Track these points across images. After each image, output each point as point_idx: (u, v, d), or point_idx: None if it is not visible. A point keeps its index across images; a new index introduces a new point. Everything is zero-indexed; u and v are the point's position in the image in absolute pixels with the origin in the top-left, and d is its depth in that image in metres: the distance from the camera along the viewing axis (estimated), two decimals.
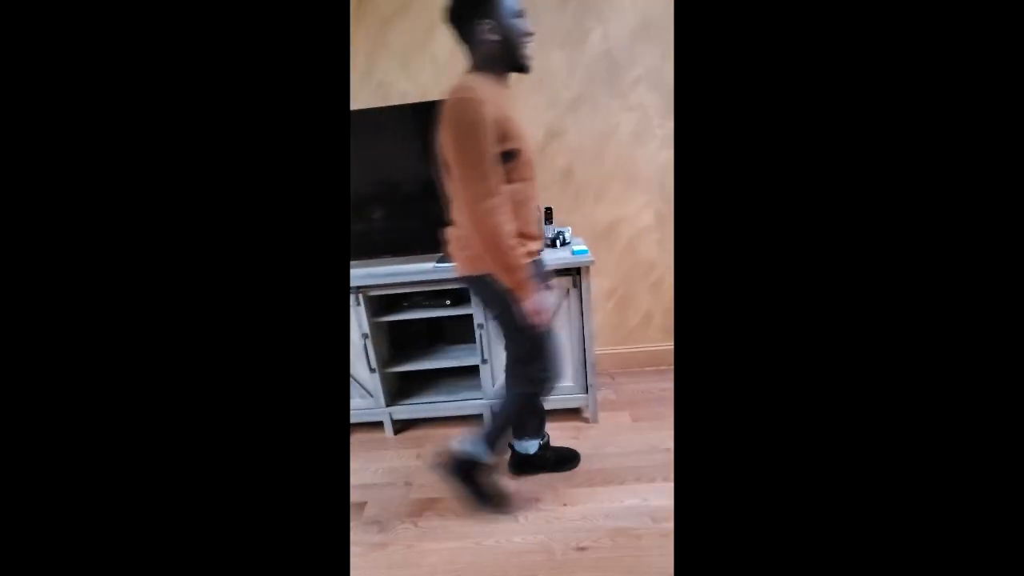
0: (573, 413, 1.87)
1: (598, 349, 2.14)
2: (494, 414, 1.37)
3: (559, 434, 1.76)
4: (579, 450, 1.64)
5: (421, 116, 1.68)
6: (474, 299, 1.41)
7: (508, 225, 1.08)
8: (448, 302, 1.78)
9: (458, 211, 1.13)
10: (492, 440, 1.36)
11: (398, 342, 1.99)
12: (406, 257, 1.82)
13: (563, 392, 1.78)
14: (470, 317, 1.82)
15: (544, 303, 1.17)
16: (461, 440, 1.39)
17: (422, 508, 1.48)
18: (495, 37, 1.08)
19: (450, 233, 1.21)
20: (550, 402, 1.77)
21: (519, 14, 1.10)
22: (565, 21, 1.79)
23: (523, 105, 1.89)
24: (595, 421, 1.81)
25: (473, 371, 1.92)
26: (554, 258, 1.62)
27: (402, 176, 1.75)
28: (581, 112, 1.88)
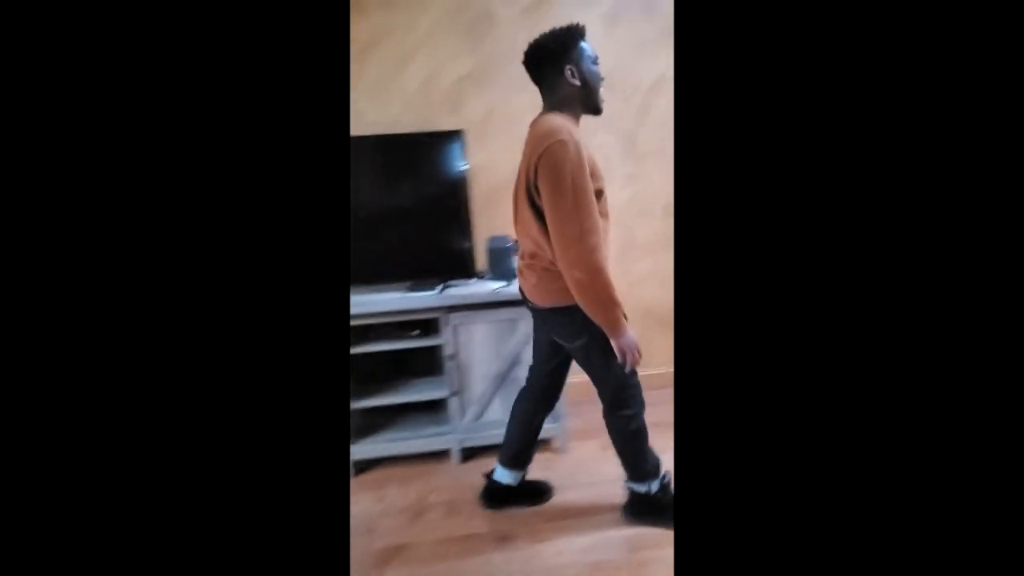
0: (542, 444, 1.85)
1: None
2: (623, 453, 1.38)
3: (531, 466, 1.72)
4: (552, 481, 1.62)
5: (388, 147, 1.68)
6: (549, 331, 1.32)
7: (607, 262, 1.11)
8: (417, 332, 1.73)
9: (560, 249, 1.10)
10: (641, 469, 1.37)
11: (359, 376, 1.90)
12: (370, 286, 1.77)
13: None
14: (438, 348, 1.78)
15: (634, 340, 1.18)
16: (631, 487, 1.42)
17: (387, 558, 1.38)
18: (576, 82, 1.16)
19: (528, 267, 1.24)
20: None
21: (596, 61, 1.19)
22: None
23: (493, 145, 1.95)
24: (565, 451, 1.80)
25: (439, 405, 1.86)
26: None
27: (365, 204, 1.73)
28: None
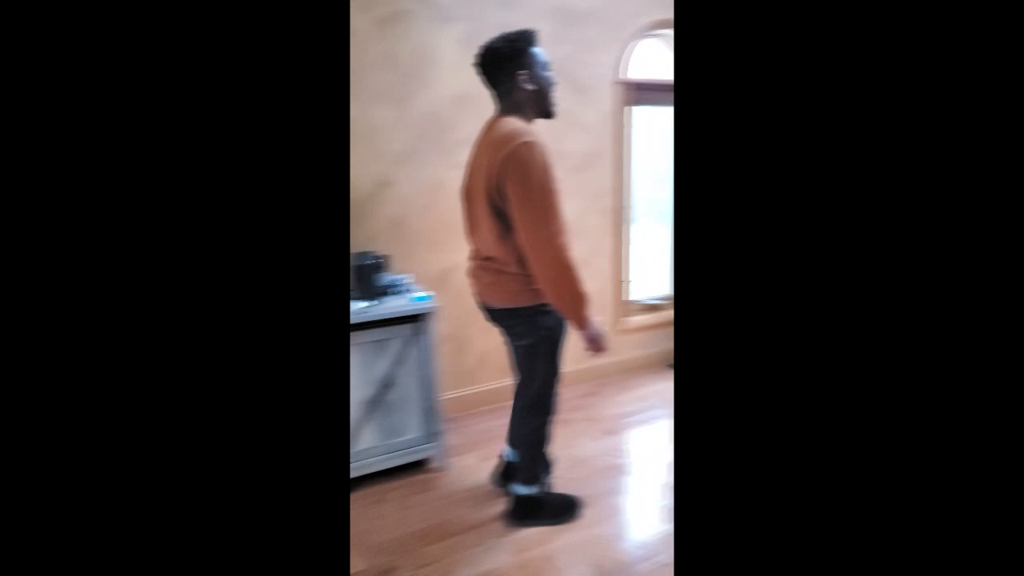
0: (419, 466, 1.80)
1: (440, 395, 2.12)
2: (523, 456, 1.43)
3: (406, 491, 1.66)
4: (432, 503, 1.58)
5: None
6: (500, 330, 1.35)
7: (574, 260, 1.14)
8: None
9: (531, 248, 1.12)
10: (533, 473, 1.44)
11: None
12: None
13: (408, 445, 1.70)
14: None
15: (601, 330, 1.24)
16: (511, 489, 1.49)
17: None
18: (530, 86, 1.18)
19: (483, 268, 1.27)
20: (393, 459, 1.68)
21: (547, 66, 1.22)
22: (393, 80, 1.86)
23: (352, 155, 1.86)
24: (445, 468, 1.78)
25: None
26: (395, 306, 1.59)
27: None
28: (411, 165, 1.94)
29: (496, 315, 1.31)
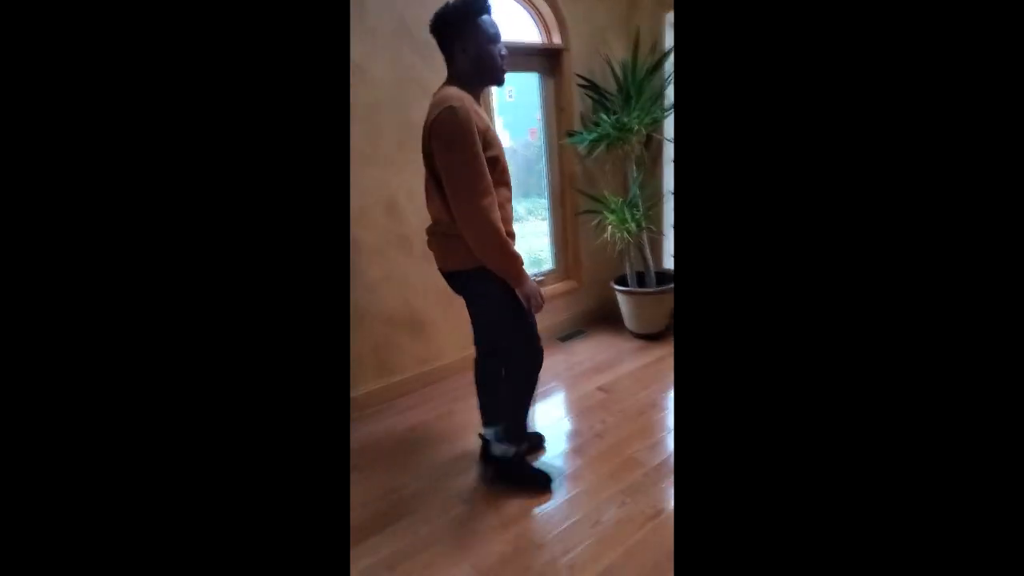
0: None
1: None
2: (502, 408, 1.47)
3: None
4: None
5: None
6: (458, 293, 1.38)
7: (500, 222, 1.16)
8: None
9: (456, 211, 1.15)
10: (514, 431, 1.47)
11: None
12: None
13: None
14: None
15: (536, 287, 1.27)
16: (492, 447, 1.51)
17: None
18: (468, 57, 1.18)
19: (432, 232, 1.30)
20: None
21: (493, 39, 1.19)
22: None
23: None
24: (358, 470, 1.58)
25: None
26: None
27: None
28: None
29: (450, 280, 1.33)
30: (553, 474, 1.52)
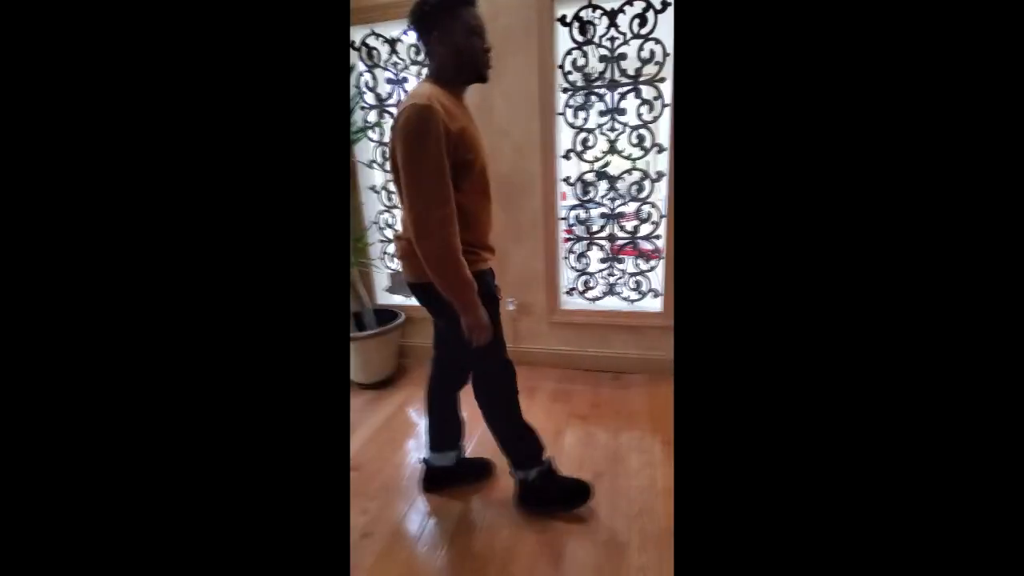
0: None
1: None
2: (499, 435, 1.35)
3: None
4: None
5: None
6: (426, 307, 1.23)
7: (455, 238, 1.04)
8: None
9: (408, 218, 1.05)
10: (522, 454, 1.36)
11: None
12: None
13: None
14: None
15: (483, 320, 1.12)
16: (510, 473, 1.40)
17: None
18: (445, 51, 1.08)
19: (399, 239, 1.20)
20: None
21: (474, 31, 1.08)
22: None
23: None
24: None
25: None
26: None
27: None
28: None
29: (413, 291, 1.21)
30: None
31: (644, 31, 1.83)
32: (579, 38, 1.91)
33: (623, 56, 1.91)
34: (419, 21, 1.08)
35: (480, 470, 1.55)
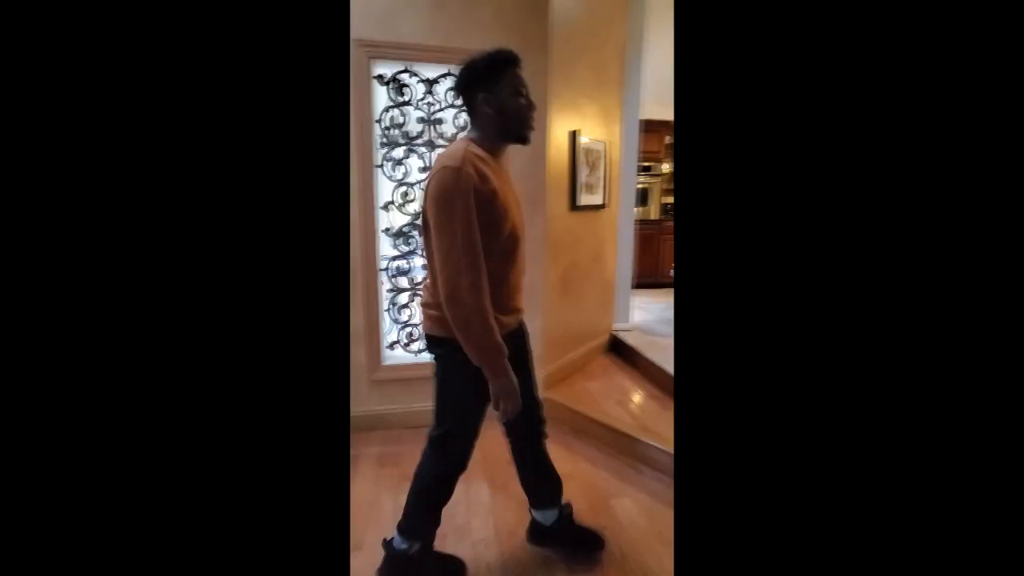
0: None
1: None
2: (409, 496, 1.28)
3: None
4: None
5: None
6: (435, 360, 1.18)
7: (486, 303, 1.02)
8: None
9: (440, 282, 1.04)
10: (413, 524, 1.28)
11: None
12: None
13: None
14: None
15: (513, 387, 1.08)
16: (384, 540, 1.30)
17: None
18: (489, 111, 1.09)
19: (424, 291, 1.19)
20: None
21: (518, 91, 1.10)
22: None
23: None
24: None
25: None
26: None
27: None
28: None
29: (432, 344, 1.17)
30: None
31: (459, 102, 2.03)
32: (396, 99, 2.00)
33: (440, 120, 2.06)
34: (467, 81, 1.09)
35: (590, 542, 1.43)
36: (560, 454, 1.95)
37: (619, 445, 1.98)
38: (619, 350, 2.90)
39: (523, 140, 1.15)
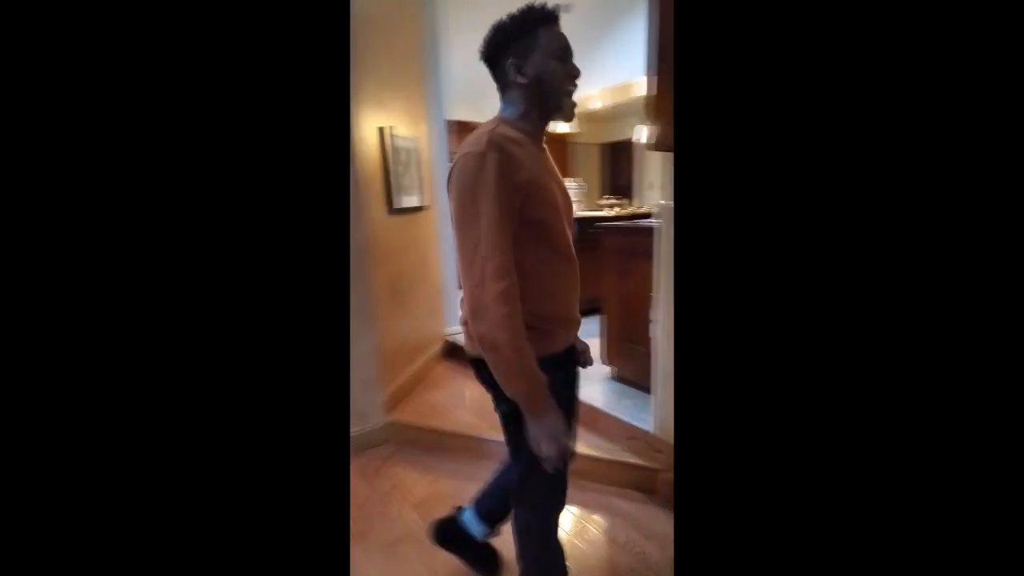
0: None
1: None
2: (517, 547, 1.04)
3: None
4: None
5: None
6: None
7: (516, 318, 0.80)
8: None
9: (463, 290, 0.84)
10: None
11: None
12: None
13: None
14: None
15: (556, 428, 0.84)
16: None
17: None
18: (521, 79, 0.87)
19: (460, 306, 0.94)
20: None
21: (560, 55, 0.87)
22: None
23: None
24: None
25: None
26: None
27: None
28: None
29: (478, 369, 0.93)
30: None
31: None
32: None
33: None
34: (495, 47, 0.89)
35: (491, 563, 1.33)
36: (412, 476, 1.78)
37: (478, 450, 1.91)
38: (455, 354, 2.84)
39: (562, 115, 0.91)
